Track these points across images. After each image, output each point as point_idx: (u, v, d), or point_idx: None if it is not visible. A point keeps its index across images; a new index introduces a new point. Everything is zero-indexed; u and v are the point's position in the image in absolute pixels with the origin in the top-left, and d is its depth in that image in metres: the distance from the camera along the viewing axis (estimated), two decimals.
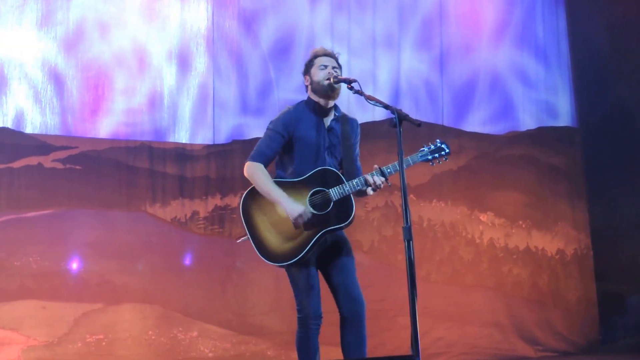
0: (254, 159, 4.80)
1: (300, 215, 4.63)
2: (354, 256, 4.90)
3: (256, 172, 4.77)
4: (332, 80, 4.76)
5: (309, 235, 4.64)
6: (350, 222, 4.69)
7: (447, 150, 4.82)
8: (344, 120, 4.92)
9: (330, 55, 4.93)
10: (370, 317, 4.83)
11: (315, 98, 4.89)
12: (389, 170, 4.67)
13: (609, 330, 8.74)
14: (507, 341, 8.25)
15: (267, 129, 4.87)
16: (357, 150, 4.96)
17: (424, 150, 4.79)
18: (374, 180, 4.65)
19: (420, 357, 4.02)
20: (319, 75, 4.84)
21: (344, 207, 4.68)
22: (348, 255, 4.85)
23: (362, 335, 4.75)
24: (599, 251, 8.97)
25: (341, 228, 4.71)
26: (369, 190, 4.71)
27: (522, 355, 8.20)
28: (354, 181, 4.67)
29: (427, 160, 4.79)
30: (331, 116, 4.90)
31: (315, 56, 4.94)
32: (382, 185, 4.68)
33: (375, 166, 4.69)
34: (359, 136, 4.99)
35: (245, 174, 4.81)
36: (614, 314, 8.79)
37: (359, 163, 4.92)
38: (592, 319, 8.81)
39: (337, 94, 4.85)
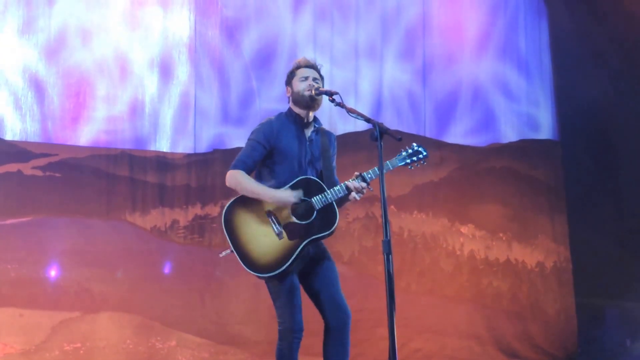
0: (235, 167, 4.80)
1: (291, 196, 4.64)
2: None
3: (239, 177, 4.76)
4: (313, 92, 4.75)
5: (293, 245, 4.63)
6: (334, 231, 4.69)
7: (425, 153, 4.81)
8: (323, 132, 4.93)
9: (312, 66, 4.92)
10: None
11: (296, 110, 4.89)
12: (369, 175, 4.68)
13: (587, 343, 8.75)
14: (486, 353, 8.25)
15: (249, 139, 4.86)
16: (334, 163, 4.97)
17: (401, 154, 4.79)
18: (354, 185, 4.65)
19: None
20: (299, 86, 4.83)
21: (327, 215, 4.67)
22: (330, 264, 4.83)
23: (345, 346, 4.74)
24: (579, 264, 8.98)
25: (326, 236, 4.70)
26: (354, 195, 4.69)
27: None
28: (336, 188, 4.67)
29: (406, 164, 4.79)
30: (311, 128, 4.90)
31: (297, 67, 4.93)
32: (364, 190, 4.68)
33: (356, 173, 4.69)
34: (335, 149, 5.00)
35: (227, 182, 4.80)
36: (592, 327, 8.80)
37: (336, 177, 4.92)
38: (571, 332, 8.83)
39: (318, 106, 4.85)
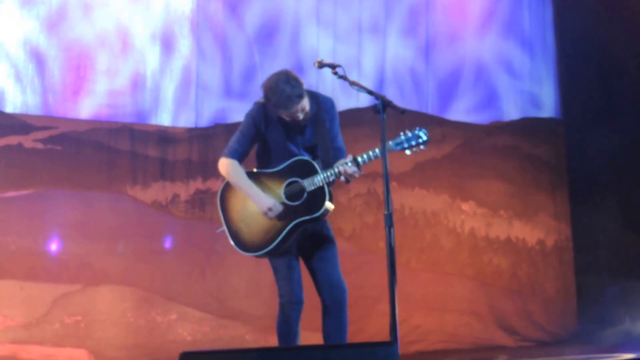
0: (227, 156, 4.81)
1: (269, 209, 4.65)
2: (336, 243, 4.89)
3: (228, 169, 4.80)
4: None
5: (281, 226, 4.67)
6: (322, 214, 4.65)
7: (425, 138, 4.63)
8: (317, 106, 4.81)
9: (291, 108, 4.63)
10: (350, 303, 4.83)
11: None
12: (362, 159, 4.61)
13: (587, 321, 8.76)
14: (486, 330, 8.27)
15: (241, 123, 4.86)
16: (335, 130, 4.85)
17: (400, 137, 4.64)
18: (345, 170, 4.60)
19: (399, 344, 4.02)
20: (286, 118, 4.71)
21: (316, 198, 4.66)
22: (329, 243, 4.84)
23: (342, 323, 4.76)
24: (579, 243, 8.99)
25: (313, 220, 4.68)
26: (343, 180, 4.68)
27: (500, 344, 8.21)
28: (327, 172, 4.65)
29: (403, 149, 4.68)
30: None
31: (279, 111, 4.67)
32: (356, 175, 4.62)
33: (350, 156, 4.64)
34: (335, 117, 4.88)
35: (219, 169, 4.84)
36: (592, 305, 8.81)
37: (338, 144, 4.83)
38: (570, 309, 8.84)
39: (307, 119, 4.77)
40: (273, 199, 4.67)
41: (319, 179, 4.65)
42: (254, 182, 4.74)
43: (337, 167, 4.62)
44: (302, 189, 4.67)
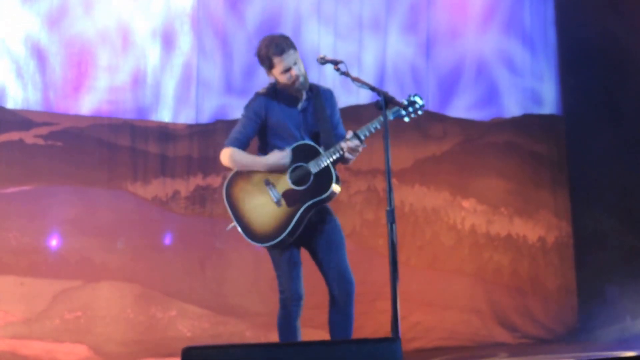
0: (228, 145, 4.83)
1: (282, 158, 4.68)
2: (344, 237, 4.89)
3: (230, 154, 4.80)
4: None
5: (292, 212, 4.66)
6: (330, 194, 4.67)
7: (421, 103, 4.67)
8: (316, 94, 4.85)
9: (285, 49, 4.70)
10: None
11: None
12: (363, 133, 4.64)
13: (587, 318, 8.76)
14: (486, 327, 8.27)
15: (242, 115, 4.89)
16: (336, 118, 4.90)
17: (396, 106, 4.61)
18: (347, 145, 4.62)
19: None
20: (284, 78, 4.74)
21: (322, 179, 4.68)
22: (336, 233, 4.83)
23: (349, 316, 4.76)
24: (580, 240, 8.99)
25: (323, 200, 4.70)
26: (348, 156, 4.68)
27: (500, 341, 8.21)
28: (330, 150, 4.67)
29: (401, 117, 4.66)
30: (304, 96, 4.85)
31: (273, 55, 4.72)
32: (359, 149, 4.65)
33: (350, 132, 4.67)
34: (335, 106, 4.93)
35: (221, 160, 4.84)
36: (593, 303, 8.81)
37: (340, 131, 4.87)
38: (571, 307, 8.84)
39: (307, 86, 4.80)
40: (278, 152, 4.70)
41: (324, 158, 4.66)
42: (257, 176, 4.77)
43: (340, 144, 4.64)
44: (308, 172, 4.68)
